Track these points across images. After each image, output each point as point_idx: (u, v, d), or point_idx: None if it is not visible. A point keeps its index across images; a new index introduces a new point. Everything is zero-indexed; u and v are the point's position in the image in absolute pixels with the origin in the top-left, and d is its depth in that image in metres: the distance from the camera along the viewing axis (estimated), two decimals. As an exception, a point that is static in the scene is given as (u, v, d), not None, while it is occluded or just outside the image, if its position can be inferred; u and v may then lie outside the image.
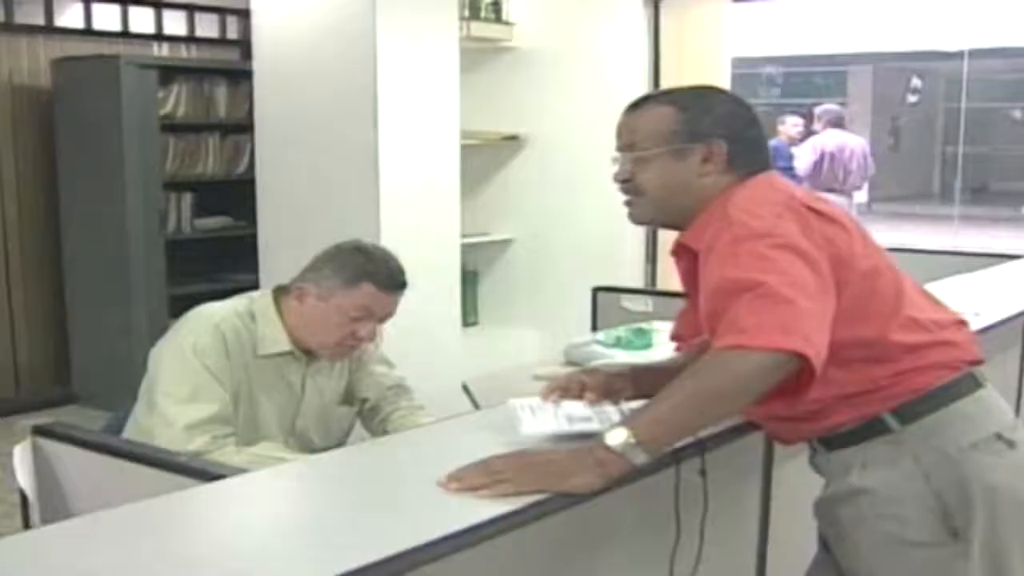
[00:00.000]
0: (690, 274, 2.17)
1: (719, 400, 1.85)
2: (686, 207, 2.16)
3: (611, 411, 2.17)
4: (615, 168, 2.23)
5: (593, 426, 2.08)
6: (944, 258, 5.34)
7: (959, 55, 16.12)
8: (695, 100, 2.20)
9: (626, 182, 2.21)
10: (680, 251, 2.20)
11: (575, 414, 2.14)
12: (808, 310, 1.85)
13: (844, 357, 2.00)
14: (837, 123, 9.58)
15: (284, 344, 2.83)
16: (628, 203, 2.24)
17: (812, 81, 21.42)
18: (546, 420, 2.12)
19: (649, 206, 2.20)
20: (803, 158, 9.30)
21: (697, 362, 1.87)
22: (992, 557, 2.04)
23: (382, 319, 2.85)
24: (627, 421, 1.85)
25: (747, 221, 1.97)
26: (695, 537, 2.18)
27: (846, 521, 2.14)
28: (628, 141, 2.20)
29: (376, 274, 2.80)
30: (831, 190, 9.02)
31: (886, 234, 13.01)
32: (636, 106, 2.22)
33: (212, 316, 2.78)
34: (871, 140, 12.17)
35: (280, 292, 2.88)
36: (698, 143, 2.15)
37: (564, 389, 2.22)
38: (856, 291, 2.02)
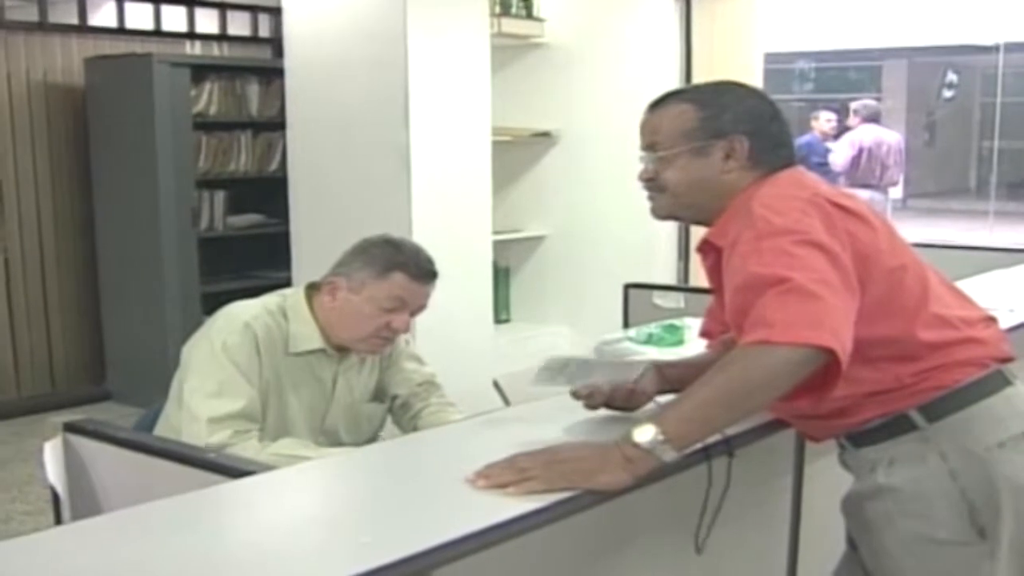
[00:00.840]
0: (715, 271, 2.16)
1: (747, 395, 1.84)
2: (709, 204, 2.16)
3: None
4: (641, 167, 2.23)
5: None
6: (979, 254, 5.29)
7: (995, 49, 16.00)
8: (715, 96, 2.19)
9: (650, 180, 2.21)
10: (706, 248, 2.20)
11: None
12: (834, 306, 1.85)
13: (869, 355, 1.99)
14: (873, 118, 9.55)
15: (316, 341, 2.83)
16: (650, 198, 2.24)
17: (846, 76, 21.29)
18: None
19: (671, 202, 2.20)
20: (841, 153, 9.27)
21: (724, 358, 1.87)
22: (1020, 557, 2.02)
23: (415, 311, 2.85)
24: (655, 418, 1.85)
25: (770, 218, 1.96)
26: (721, 525, 2.16)
27: (872, 519, 2.13)
28: (650, 140, 2.20)
29: (407, 264, 2.81)
30: (868, 185, 8.99)
31: (921, 230, 12.96)
32: (657, 105, 2.22)
33: (243, 314, 2.79)
34: (906, 135, 12.08)
35: (312, 289, 2.89)
36: (719, 140, 2.14)
37: (589, 401, 2.25)
38: (881, 288, 2.01)
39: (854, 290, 1.93)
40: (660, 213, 2.25)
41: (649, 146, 2.20)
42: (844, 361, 1.82)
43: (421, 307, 2.87)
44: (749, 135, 2.14)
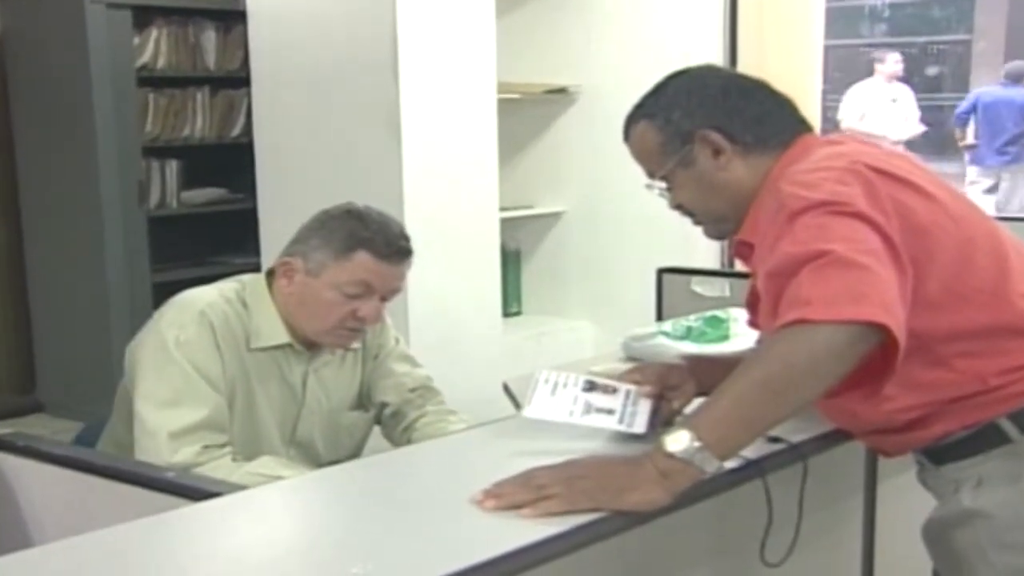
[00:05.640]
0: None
1: (789, 386, 1.83)
2: (736, 207, 2.25)
3: (642, 411, 2.21)
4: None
5: (608, 423, 2.16)
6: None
7: None
8: (657, 100, 2.35)
9: (679, 208, 2.34)
10: (742, 249, 2.25)
11: (596, 404, 2.20)
12: (883, 278, 1.85)
13: (940, 353, 2.00)
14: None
15: (281, 335, 2.86)
16: (696, 223, 2.37)
17: (928, 13, 21.13)
18: (559, 405, 2.17)
19: (705, 220, 2.34)
20: None
21: (758, 346, 1.88)
22: None
23: (385, 296, 2.88)
24: (687, 422, 1.86)
25: (801, 193, 1.99)
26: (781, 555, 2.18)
27: (960, 551, 2.12)
28: (646, 170, 2.36)
29: (372, 240, 2.82)
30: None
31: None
32: (625, 135, 2.39)
33: (196, 303, 2.81)
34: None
35: (271, 275, 2.92)
36: (689, 143, 2.25)
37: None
38: (945, 268, 2.02)
39: (904, 267, 1.92)
40: (711, 234, 2.37)
41: (649, 175, 2.35)
42: (901, 339, 1.81)
43: (394, 291, 2.89)
44: (711, 123, 2.24)
